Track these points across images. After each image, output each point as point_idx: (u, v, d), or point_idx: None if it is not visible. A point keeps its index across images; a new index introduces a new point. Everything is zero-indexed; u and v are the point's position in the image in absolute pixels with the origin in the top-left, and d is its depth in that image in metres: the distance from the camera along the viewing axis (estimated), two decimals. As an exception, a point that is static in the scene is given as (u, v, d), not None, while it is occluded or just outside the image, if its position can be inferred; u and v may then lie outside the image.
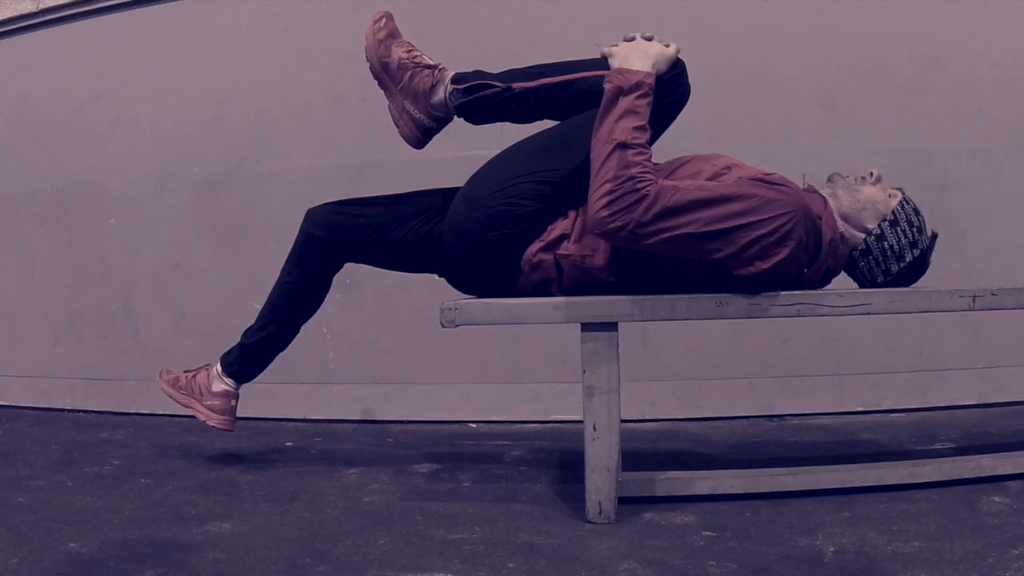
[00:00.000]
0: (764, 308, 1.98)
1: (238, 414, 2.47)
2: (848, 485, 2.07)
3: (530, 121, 2.19)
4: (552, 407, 3.06)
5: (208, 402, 2.43)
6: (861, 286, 2.16)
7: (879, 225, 2.10)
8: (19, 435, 3.02)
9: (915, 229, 2.10)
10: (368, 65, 2.17)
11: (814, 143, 2.94)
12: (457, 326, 2.00)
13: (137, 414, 3.35)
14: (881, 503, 2.01)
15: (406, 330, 3.14)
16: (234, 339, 2.45)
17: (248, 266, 3.20)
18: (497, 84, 2.12)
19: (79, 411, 3.45)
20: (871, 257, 2.10)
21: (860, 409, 3.01)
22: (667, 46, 2.03)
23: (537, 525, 1.95)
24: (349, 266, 2.35)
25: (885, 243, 2.09)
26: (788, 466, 2.16)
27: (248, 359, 2.42)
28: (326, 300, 2.40)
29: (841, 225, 2.10)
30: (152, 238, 3.36)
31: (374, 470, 2.45)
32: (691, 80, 2.09)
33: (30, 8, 3.45)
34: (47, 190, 3.49)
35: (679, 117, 2.12)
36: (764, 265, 1.92)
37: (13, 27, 3.49)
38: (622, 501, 2.00)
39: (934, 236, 2.14)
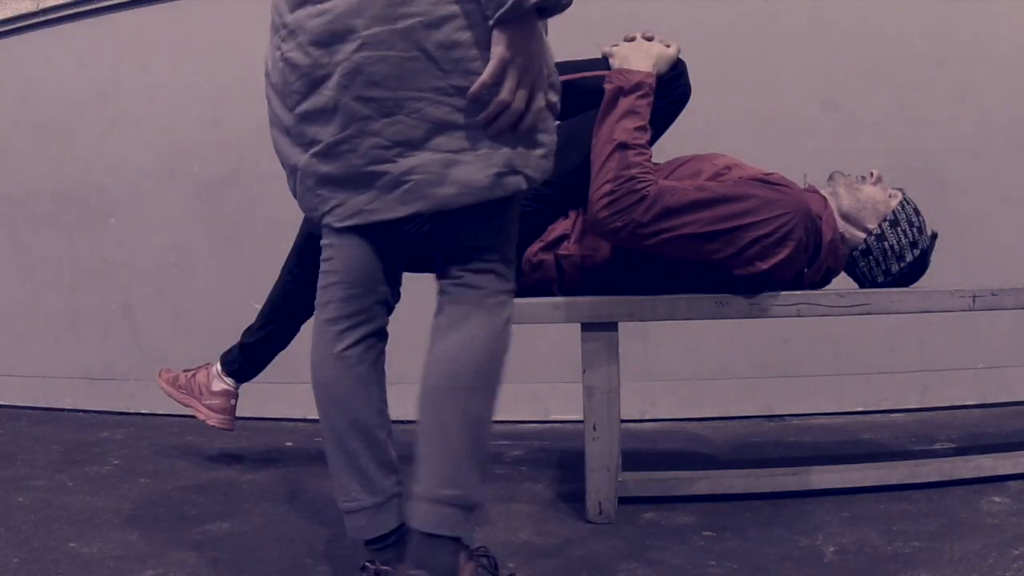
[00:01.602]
0: (764, 308, 1.98)
1: (238, 414, 2.47)
2: (848, 485, 2.07)
3: (530, 121, 2.18)
4: (552, 407, 3.05)
5: (208, 401, 2.43)
6: (861, 286, 2.16)
7: (879, 225, 2.10)
8: (19, 435, 3.02)
9: (915, 229, 2.10)
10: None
11: (814, 143, 2.94)
12: (457, 326, 1.99)
13: (137, 414, 3.35)
14: (881, 503, 2.01)
15: (405, 330, 3.13)
16: (234, 338, 2.45)
17: (248, 266, 3.19)
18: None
19: (79, 411, 3.45)
20: (871, 257, 2.10)
21: (860, 409, 3.01)
22: (668, 46, 2.03)
23: (537, 525, 1.95)
24: (349, 266, 2.35)
25: (885, 243, 2.09)
26: (788, 466, 2.16)
27: (248, 358, 2.42)
28: (326, 300, 2.39)
29: (841, 225, 2.10)
30: (152, 238, 3.35)
31: (374, 470, 2.44)
32: (692, 80, 2.09)
33: (30, 8, 3.44)
34: (47, 190, 3.49)
35: (679, 117, 2.12)
36: (764, 265, 1.92)
37: (13, 27, 3.49)
38: (622, 501, 2.00)
39: (934, 236, 2.14)
